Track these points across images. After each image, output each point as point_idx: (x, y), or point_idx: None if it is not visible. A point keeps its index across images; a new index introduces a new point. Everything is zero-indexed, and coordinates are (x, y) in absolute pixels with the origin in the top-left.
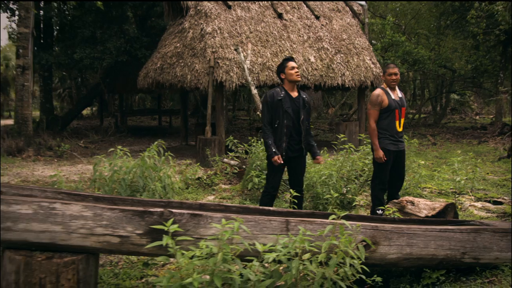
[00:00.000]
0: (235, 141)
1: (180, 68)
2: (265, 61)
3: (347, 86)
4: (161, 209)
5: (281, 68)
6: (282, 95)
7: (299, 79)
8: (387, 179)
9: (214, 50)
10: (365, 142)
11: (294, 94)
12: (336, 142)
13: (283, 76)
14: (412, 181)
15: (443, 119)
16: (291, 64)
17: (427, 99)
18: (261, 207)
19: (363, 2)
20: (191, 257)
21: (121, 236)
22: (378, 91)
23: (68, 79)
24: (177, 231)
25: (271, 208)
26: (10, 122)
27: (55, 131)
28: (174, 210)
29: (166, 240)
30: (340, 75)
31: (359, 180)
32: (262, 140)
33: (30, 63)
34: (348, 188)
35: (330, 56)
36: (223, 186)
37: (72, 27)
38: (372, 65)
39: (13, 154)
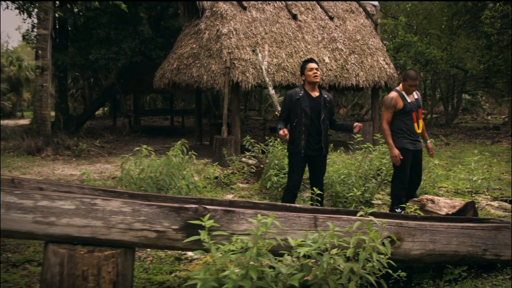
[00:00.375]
0: (252, 140)
1: (197, 68)
2: (280, 61)
3: (361, 86)
4: (196, 206)
5: (302, 69)
6: (300, 94)
7: (317, 80)
8: (407, 178)
9: (230, 51)
10: (380, 142)
11: (315, 94)
12: (352, 142)
13: (303, 77)
14: (428, 180)
15: (455, 119)
16: (310, 65)
17: (439, 99)
18: (287, 204)
19: (376, 3)
20: (226, 251)
21: (158, 231)
22: (392, 93)
23: (80, 80)
24: (212, 227)
25: (297, 205)
26: (22, 122)
27: (70, 131)
28: (208, 207)
29: (203, 235)
30: (354, 75)
31: (377, 179)
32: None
33: (48, 64)
34: (366, 187)
35: (344, 56)
36: (240, 185)
37: (87, 28)
38: (386, 66)
39: (32, 154)
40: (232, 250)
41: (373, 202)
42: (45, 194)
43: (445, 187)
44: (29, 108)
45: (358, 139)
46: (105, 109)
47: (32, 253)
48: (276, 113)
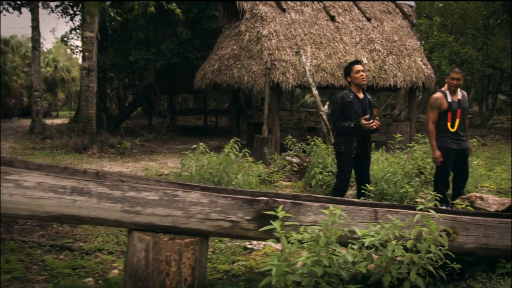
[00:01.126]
0: (294, 140)
1: (237, 69)
2: (319, 62)
3: (398, 87)
4: (267, 198)
5: (348, 71)
6: (351, 97)
7: (364, 82)
8: (449, 176)
9: (270, 52)
10: (421, 142)
11: (361, 95)
12: (392, 142)
13: (349, 79)
14: (470, 180)
15: (490, 120)
16: (357, 67)
17: (474, 100)
18: (346, 198)
19: (412, 3)
20: (298, 240)
21: (232, 221)
22: (437, 94)
23: (115, 80)
24: (281, 218)
25: (355, 200)
26: (59, 121)
27: (109, 130)
28: (277, 199)
29: (277, 225)
30: (392, 76)
31: (420, 178)
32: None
33: (94, 65)
34: (411, 186)
35: (382, 57)
36: (283, 183)
37: (126, 30)
38: (423, 66)
39: (79, 151)
40: (300, 240)
41: (416, 200)
42: (132, 186)
43: (486, 187)
44: (62, 108)
45: (399, 139)
46: (138, 108)
47: (101, 242)
48: (321, 113)
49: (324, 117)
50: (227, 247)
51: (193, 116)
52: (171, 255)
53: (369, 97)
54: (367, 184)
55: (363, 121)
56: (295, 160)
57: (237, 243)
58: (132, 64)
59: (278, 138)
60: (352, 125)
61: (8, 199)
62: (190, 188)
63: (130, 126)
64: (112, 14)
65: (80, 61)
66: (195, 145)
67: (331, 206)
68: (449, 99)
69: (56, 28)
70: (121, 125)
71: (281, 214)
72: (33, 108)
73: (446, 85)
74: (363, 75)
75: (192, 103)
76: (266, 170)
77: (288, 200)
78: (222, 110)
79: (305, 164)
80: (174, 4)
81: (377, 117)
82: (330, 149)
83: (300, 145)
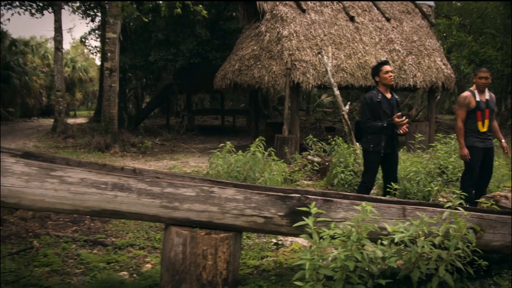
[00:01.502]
0: (314, 139)
1: (258, 69)
2: (339, 63)
3: (418, 87)
4: (299, 195)
5: (376, 71)
6: (379, 97)
7: (393, 82)
8: (476, 175)
9: (291, 52)
10: (442, 141)
11: (388, 95)
12: (413, 142)
13: (377, 79)
14: (492, 179)
15: (509, 121)
16: (386, 68)
17: None
18: (374, 196)
19: (431, 3)
20: (330, 236)
21: (265, 217)
22: (465, 93)
23: (133, 80)
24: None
25: (382, 197)
26: (78, 120)
27: (129, 130)
28: (309, 196)
29: (310, 221)
30: (411, 76)
31: (442, 178)
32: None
33: (117, 65)
34: (434, 185)
35: (402, 57)
36: (305, 182)
37: (146, 30)
38: (443, 66)
39: (102, 150)
40: (332, 235)
41: (439, 199)
42: (170, 182)
43: (508, 187)
44: (79, 108)
45: (419, 139)
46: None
47: (133, 238)
48: (342, 113)
49: (346, 116)
50: (255, 244)
51: (210, 116)
52: (208, 249)
53: (396, 97)
54: (393, 183)
55: (396, 119)
56: (316, 159)
57: (264, 240)
58: (152, 64)
59: (298, 137)
60: (385, 124)
61: (54, 194)
62: (223, 185)
63: (148, 125)
64: (137, 14)
65: (97, 61)
66: (222, 144)
67: (363, 203)
68: (478, 98)
69: (73, 29)
70: (140, 124)
71: (314, 210)
72: (55, 107)
73: (474, 85)
74: (391, 75)
75: (208, 103)
76: (287, 169)
77: (319, 197)
78: (239, 110)
79: (327, 163)
80: (200, 6)
81: (406, 119)
82: (351, 149)
83: (320, 144)
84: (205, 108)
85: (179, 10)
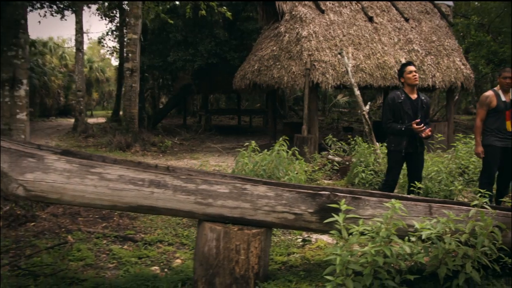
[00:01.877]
0: (334, 139)
1: (277, 70)
2: (358, 63)
3: (437, 87)
4: (328, 192)
5: (401, 72)
6: (402, 98)
7: (417, 82)
8: (494, 174)
9: (310, 53)
10: (462, 141)
11: (414, 96)
12: (433, 142)
13: (402, 80)
14: None
15: None
16: (410, 68)
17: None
18: (399, 194)
19: (450, 3)
20: (359, 233)
21: (296, 213)
22: (488, 92)
23: (150, 80)
24: (343, 211)
25: (408, 196)
26: (93, 120)
27: (148, 129)
28: (338, 193)
29: (341, 217)
30: (430, 76)
31: (464, 177)
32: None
33: (137, 66)
34: (457, 183)
35: (421, 58)
36: (325, 181)
37: (164, 31)
38: (462, 67)
39: (123, 149)
40: (362, 232)
41: (459, 198)
42: (204, 179)
43: None
44: (95, 108)
45: (440, 139)
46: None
47: (161, 234)
48: (363, 113)
49: (367, 116)
50: (280, 240)
51: (225, 116)
52: (240, 244)
53: (423, 97)
54: (417, 182)
55: (414, 125)
56: (337, 158)
57: (290, 237)
58: (171, 64)
59: (317, 137)
60: (403, 129)
61: (93, 190)
62: (254, 182)
63: (165, 125)
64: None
65: (113, 62)
66: (241, 143)
67: (392, 200)
68: (503, 98)
69: (89, 29)
70: (158, 124)
71: (344, 207)
72: (75, 107)
73: (498, 85)
74: (415, 75)
75: (224, 103)
76: (307, 168)
77: (348, 195)
78: (256, 110)
79: (347, 163)
80: (224, 7)
81: (429, 127)
82: (372, 148)
83: (340, 144)
84: (221, 108)
85: (204, 12)
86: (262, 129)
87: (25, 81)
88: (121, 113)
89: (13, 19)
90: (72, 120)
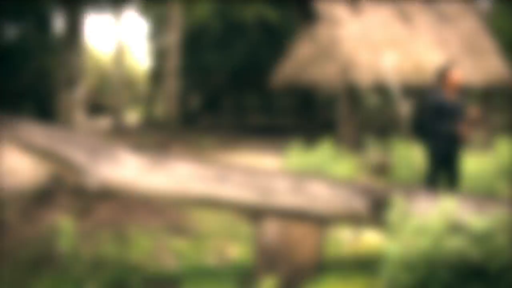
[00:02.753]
0: (373, 139)
1: (314, 71)
2: (395, 64)
3: (475, 88)
4: (382, 188)
5: (442, 74)
6: (442, 99)
7: (457, 85)
8: None
9: (347, 54)
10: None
11: (453, 98)
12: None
13: (443, 82)
14: None
15: None
16: (452, 71)
17: None
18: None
19: (488, 3)
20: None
21: (351, 209)
22: None
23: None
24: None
25: (457, 192)
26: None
27: (185, 128)
28: (392, 190)
29: (394, 213)
30: (468, 77)
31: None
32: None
33: (176, 66)
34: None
35: (458, 58)
36: (367, 180)
37: (200, 31)
38: (500, 67)
39: (163, 148)
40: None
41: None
42: (266, 175)
43: None
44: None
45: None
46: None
47: (216, 227)
48: (402, 113)
49: (404, 117)
50: (334, 235)
51: (256, 114)
52: (299, 237)
53: (462, 101)
54: (456, 181)
55: (459, 127)
56: (377, 158)
57: (340, 231)
58: (206, 65)
59: (356, 137)
60: (446, 130)
61: (164, 184)
62: (310, 178)
63: (201, 124)
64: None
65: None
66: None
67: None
68: None
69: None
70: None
71: (396, 203)
72: (113, 106)
73: None
74: (456, 78)
75: (255, 103)
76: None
77: (401, 191)
78: (291, 109)
79: (387, 162)
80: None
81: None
82: (411, 148)
83: (379, 144)
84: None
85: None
86: (295, 128)
87: (81, 82)
88: (155, 112)
89: (73, 22)
90: (107, 120)
